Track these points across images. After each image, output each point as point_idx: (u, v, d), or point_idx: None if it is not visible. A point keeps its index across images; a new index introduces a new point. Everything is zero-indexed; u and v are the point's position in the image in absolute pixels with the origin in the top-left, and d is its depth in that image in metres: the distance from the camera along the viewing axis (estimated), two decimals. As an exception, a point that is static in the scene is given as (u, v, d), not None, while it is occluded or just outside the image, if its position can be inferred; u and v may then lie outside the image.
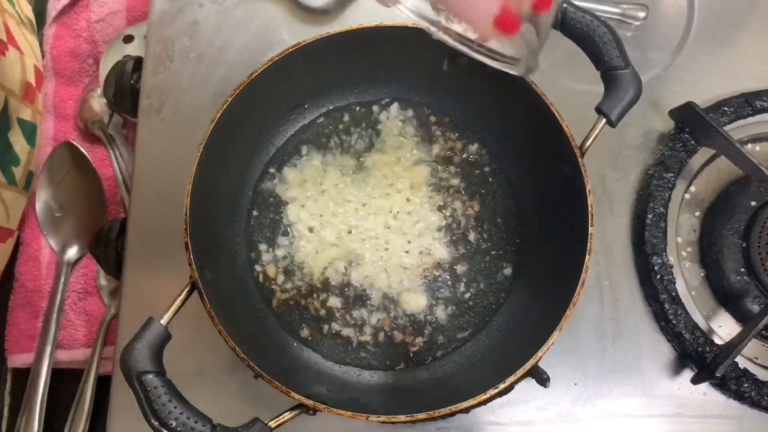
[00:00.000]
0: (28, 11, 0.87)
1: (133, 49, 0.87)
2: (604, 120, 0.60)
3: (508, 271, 0.70)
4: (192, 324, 0.68)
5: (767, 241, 0.70)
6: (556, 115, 0.61)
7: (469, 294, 0.69)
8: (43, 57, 0.88)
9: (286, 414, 0.53)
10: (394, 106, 0.75)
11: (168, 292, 0.56)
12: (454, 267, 0.70)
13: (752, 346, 0.71)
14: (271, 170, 0.73)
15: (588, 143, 0.60)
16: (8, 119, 0.75)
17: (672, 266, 0.70)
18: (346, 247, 0.70)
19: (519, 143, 0.71)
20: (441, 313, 0.68)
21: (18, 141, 0.78)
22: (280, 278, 0.69)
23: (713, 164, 0.76)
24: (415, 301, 0.69)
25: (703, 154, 0.75)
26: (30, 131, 0.80)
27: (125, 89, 0.79)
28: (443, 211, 0.71)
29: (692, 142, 0.74)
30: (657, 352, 0.70)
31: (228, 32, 0.80)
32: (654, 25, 0.81)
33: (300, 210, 0.71)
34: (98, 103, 0.87)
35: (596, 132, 0.60)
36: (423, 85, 0.73)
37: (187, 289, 0.56)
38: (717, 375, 0.64)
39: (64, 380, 0.77)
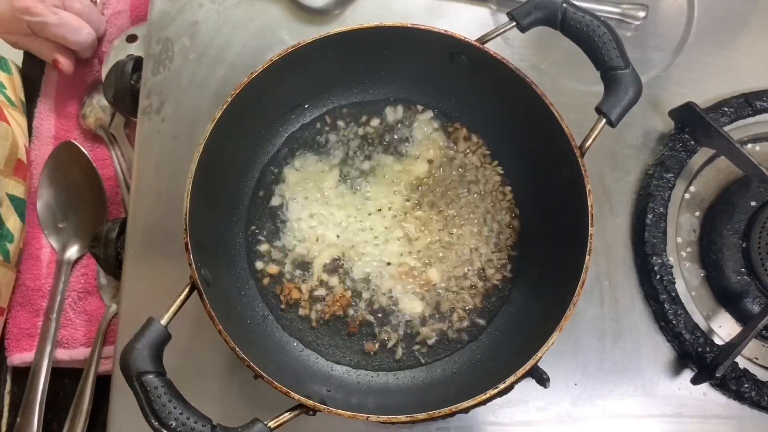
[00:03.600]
0: (20, 94, 0.88)
1: (136, 49, 0.87)
2: (604, 120, 0.60)
3: (508, 271, 0.70)
4: (192, 324, 0.69)
5: (767, 241, 0.70)
6: (556, 115, 0.61)
7: (469, 294, 0.69)
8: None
9: (286, 414, 0.53)
10: (394, 106, 0.75)
11: (168, 292, 0.56)
12: (454, 267, 0.70)
13: (752, 347, 0.71)
14: (271, 170, 0.73)
15: (588, 143, 0.60)
16: None
17: (672, 266, 0.70)
18: (346, 247, 0.70)
19: (519, 143, 0.71)
20: (440, 314, 0.68)
21: (10, 217, 0.78)
22: (280, 278, 0.69)
23: (713, 164, 0.76)
24: (414, 301, 0.69)
25: (703, 154, 0.75)
26: (21, 208, 0.80)
27: (125, 89, 0.79)
28: (443, 211, 0.71)
29: (692, 142, 0.74)
30: (657, 352, 0.70)
31: (228, 32, 0.80)
32: (654, 25, 0.81)
33: (300, 210, 0.71)
34: (100, 103, 0.87)
35: (596, 132, 0.60)
36: (423, 85, 0.73)
37: (187, 289, 0.56)
38: (717, 375, 0.64)
39: (64, 379, 0.77)
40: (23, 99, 0.88)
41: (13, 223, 0.78)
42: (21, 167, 0.81)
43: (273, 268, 0.70)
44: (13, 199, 0.78)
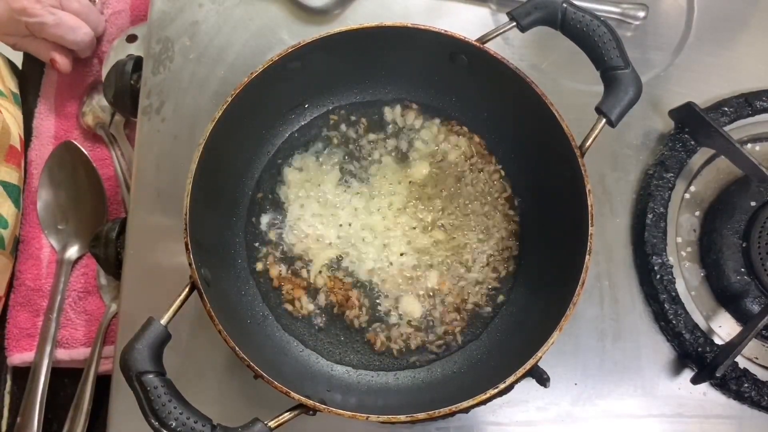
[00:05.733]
0: (11, 85, 0.88)
1: (136, 49, 0.87)
2: (604, 120, 0.60)
3: (508, 271, 0.70)
4: (192, 324, 0.69)
5: (767, 241, 0.70)
6: (556, 115, 0.61)
7: (469, 294, 0.69)
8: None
9: (286, 414, 0.53)
10: (394, 106, 0.75)
11: (168, 292, 0.56)
12: (454, 267, 0.70)
13: (752, 346, 0.71)
14: (271, 170, 0.73)
15: (588, 143, 0.60)
16: None
17: (672, 266, 0.70)
18: (346, 247, 0.70)
19: (519, 143, 0.71)
20: (441, 314, 0.68)
21: (4, 203, 0.78)
22: (280, 278, 0.69)
23: (713, 164, 0.76)
24: (415, 301, 0.69)
25: (703, 154, 0.75)
26: (16, 194, 0.80)
27: (125, 89, 0.79)
28: (443, 211, 0.71)
29: (692, 142, 0.74)
30: (657, 352, 0.70)
31: (228, 32, 0.80)
32: (654, 25, 0.81)
33: (300, 210, 0.71)
34: (100, 103, 0.87)
35: (596, 132, 0.60)
36: (423, 85, 0.73)
37: (187, 289, 0.56)
38: (717, 375, 0.64)
39: (64, 379, 0.77)
40: (14, 90, 0.88)
41: (7, 209, 0.78)
42: (14, 154, 0.80)
43: (273, 268, 0.70)
44: (6, 185, 0.78)
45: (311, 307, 0.69)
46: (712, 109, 0.75)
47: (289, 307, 0.69)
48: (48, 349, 0.76)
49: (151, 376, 0.50)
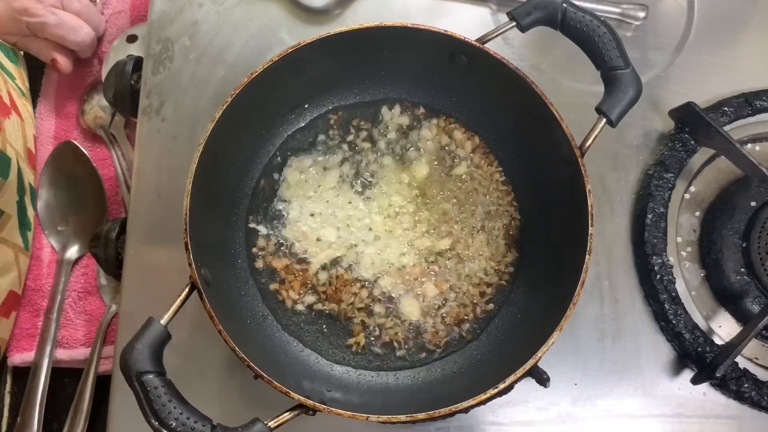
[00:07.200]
0: (27, 82, 0.88)
1: (136, 49, 0.88)
2: (604, 120, 0.60)
3: (508, 271, 0.70)
4: (192, 324, 0.69)
5: (767, 241, 0.70)
6: (556, 115, 0.61)
7: (468, 294, 0.69)
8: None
9: (286, 414, 0.53)
10: (395, 106, 0.75)
11: (168, 292, 0.56)
12: (455, 267, 0.70)
13: (752, 346, 0.71)
14: (271, 170, 0.73)
15: (588, 143, 0.60)
16: (23, 182, 0.76)
17: (672, 266, 0.70)
18: (345, 247, 0.70)
19: (519, 143, 0.71)
20: (441, 314, 0.68)
21: (29, 206, 0.79)
22: (280, 278, 0.69)
23: (713, 164, 0.76)
24: (415, 301, 0.69)
25: (703, 154, 0.75)
26: (33, 196, 0.81)
27: (125, 89, 0.79)
28: (443, 211, 0.71)
29: (692, 142, 0.74)
30: (657, 352, 0.70)
31: (228, 32, 0.80)
32: (654, 25, 0.81)
33: (300, 210, 0.71)
34: (101, 103, 0.87)
35: (596, 132, 0.60)
36: (423, 85, 0.73)
37: (187, 289, 0.56)
38: (717, 375, 0.64)
39: (64, 379, 0.78)
40: (29, 86, 0.89)
41: (30, 211, 0.79)
42: (31, 157, 0.82)
43: (273, 268, 0.70)
44: (31, 189, 0.79)
45: (312, 307, 0.69)
46: (712, 109, 0.75)
47: (289, 307, 0.69)
48: (48, 349, 0.76)
49: (151, 376, 0.50)
